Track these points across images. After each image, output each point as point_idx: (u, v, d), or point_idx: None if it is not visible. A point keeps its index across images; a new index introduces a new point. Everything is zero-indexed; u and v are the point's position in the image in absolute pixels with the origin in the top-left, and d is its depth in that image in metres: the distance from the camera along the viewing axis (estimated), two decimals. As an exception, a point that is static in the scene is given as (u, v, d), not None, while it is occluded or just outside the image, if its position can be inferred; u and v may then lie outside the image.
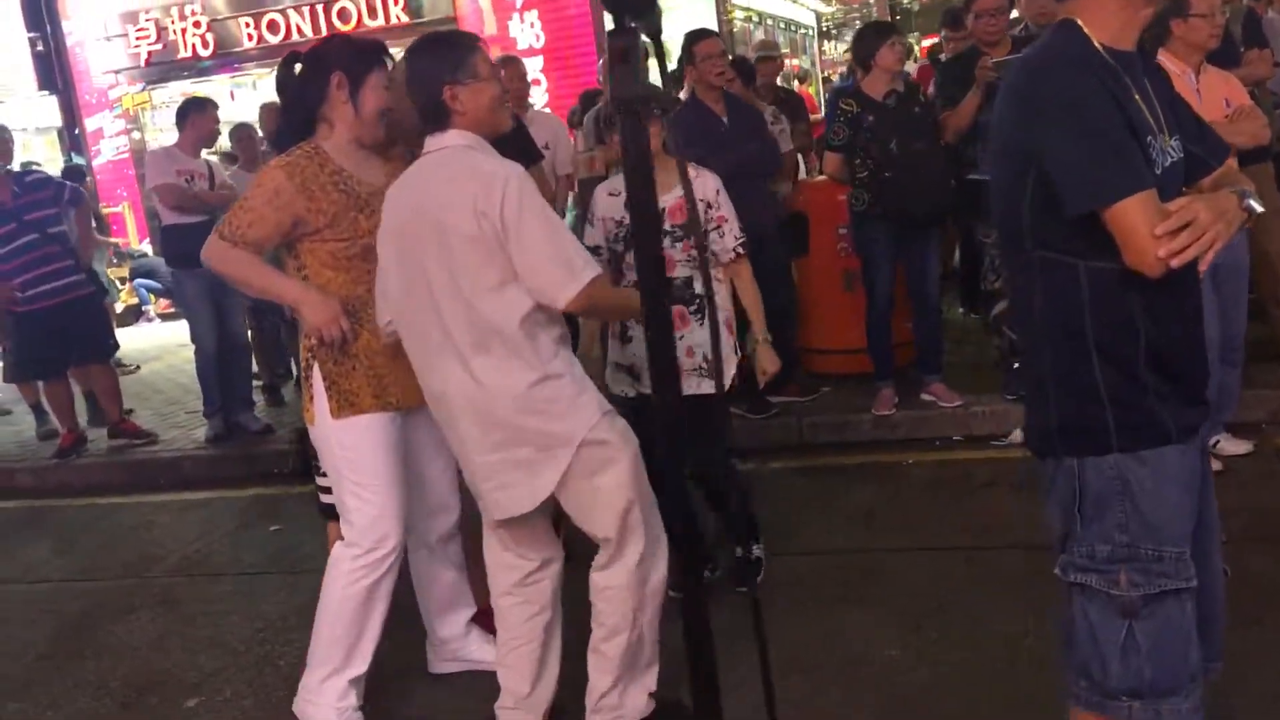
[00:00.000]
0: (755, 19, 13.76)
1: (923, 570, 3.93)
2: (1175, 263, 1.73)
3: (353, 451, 3.06)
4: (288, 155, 3.02)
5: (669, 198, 3.38)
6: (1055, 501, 1.99)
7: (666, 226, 3.40)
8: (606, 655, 2.86)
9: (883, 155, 5.09)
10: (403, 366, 2.94)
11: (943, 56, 7.11)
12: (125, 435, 6.85)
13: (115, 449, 6.80)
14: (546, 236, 2.58)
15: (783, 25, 15.62)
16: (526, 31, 11.57)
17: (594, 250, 3.56)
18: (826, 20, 19.95)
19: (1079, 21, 1.91)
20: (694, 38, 5.27)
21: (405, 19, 11.96)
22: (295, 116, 3.15)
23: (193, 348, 6.78)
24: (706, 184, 3.46)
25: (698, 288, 3.53)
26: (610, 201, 3.58)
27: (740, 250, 3.51)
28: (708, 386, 3.52)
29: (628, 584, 2.83)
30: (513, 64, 6.50)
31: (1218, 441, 4.51)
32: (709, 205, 3.45)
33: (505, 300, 2.60)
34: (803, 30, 17.69)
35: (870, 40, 5.25)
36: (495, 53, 2.87)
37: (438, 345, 2.69)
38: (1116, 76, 1.85)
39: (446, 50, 2.71)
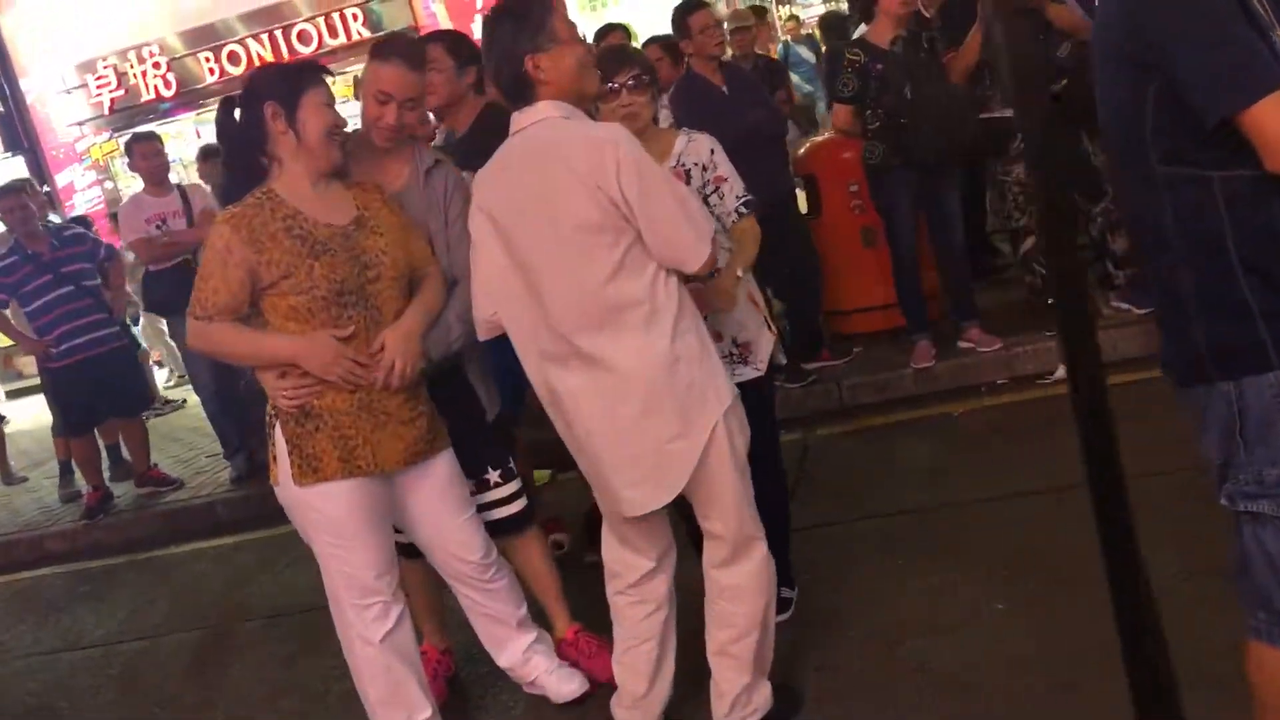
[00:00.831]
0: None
1: (1007, 519, 3.83)
2: None
3: (321, 515, 2.83)
4: (235, 205, 2.79)
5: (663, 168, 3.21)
6: (1211, 429, 1.88)
7: None
8: (738, 657, 2.76)
9: (897, 102, 4.98)
10: (373, 425, 2.78)
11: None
12: (153, 483, 6.74)
13: (144, 502, 6.67)
14: (673, 201, 2.47)
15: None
16: (491, 31, 11.39)
17: None
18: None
19: None
20: (686, 9, 5.15)
21: (366, 33, 11.77)
22: (240, 162, 2.95)
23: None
24: (700, 147, 3.19)
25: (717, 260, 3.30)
26: None
27: (743, 210, 3.20)
28: (745, 374, 3.23)
29: (758, 580, 2.75)
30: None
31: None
32: (704, 167, 3.18)
33: (634, 273, 2.48)
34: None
35: (871, -9, 5.14)
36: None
37: (558, 338, 2.56)
38: None
39: (521, 18, 2.54)
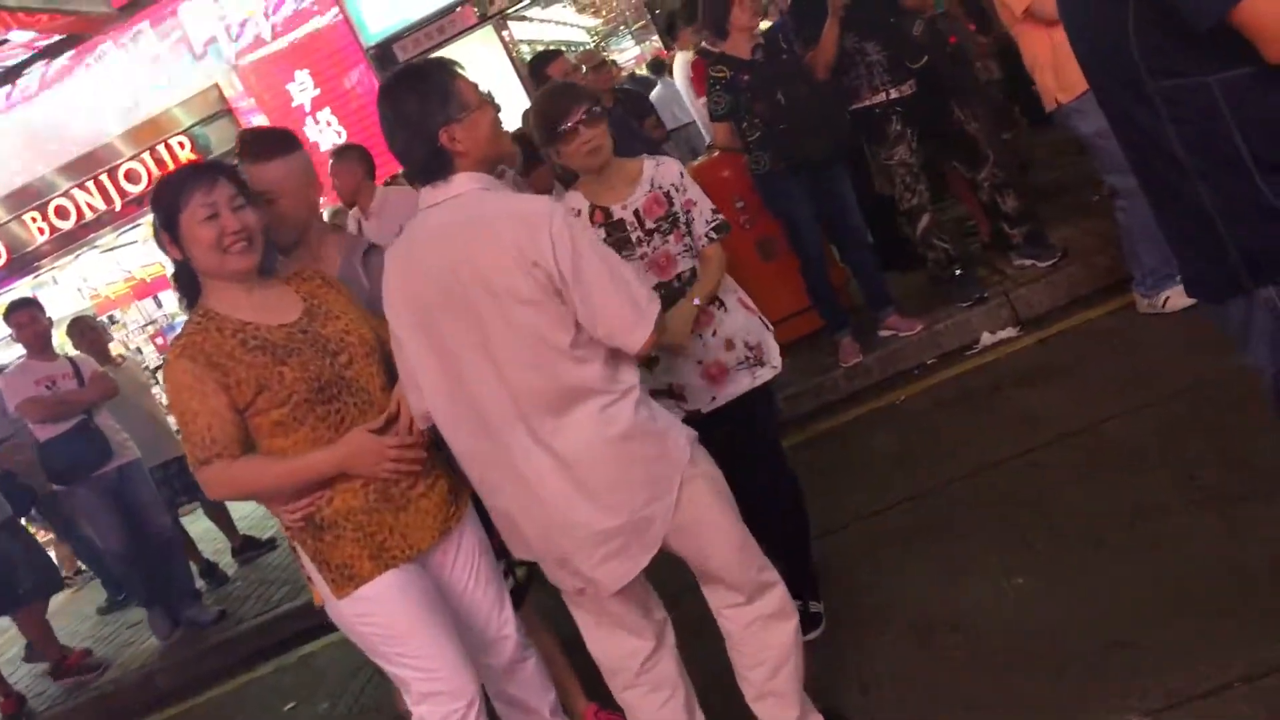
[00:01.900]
0: (540, 49, 13.64)
1: (990, 491, 3.78)
2: None
3: (376, 622, 2.59)
4: (178, 339, 2.54)
5: (637, 197, 3.12)
6: (1259, 340, 1.81)
7: (650, 225, 3.13)
8: (782, 694, 2.61)
9: (771, 109, 4.95)
10: (395, 511, 2.57)
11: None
12: (74, 673, 6.21)
13: (69, 692, 6.14)
14: (609, 275, 2.29)
15: (562, 48, 15.56)
16: (326, 131, 11.16)
17: None
18: (594, 33, 20.07)
19: None
20: (543, 61, 5.08)
21: (195, 159, 11.39)
22: (181, 284, 2.68)
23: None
24: (670, 169, 3.17)
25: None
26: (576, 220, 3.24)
27: (714, 235, 3.17)
28: (764, 374, 3.23)
29: (779, 608, 2.60)
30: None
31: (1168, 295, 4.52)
32: (679, 189, 3.15)
33: (585, 354, 2.30)
34: (577, 47, 17.71)
35: (719, 6, 5.11)
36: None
37: (503, 429, 2.35)
38: None
39: (426, 89, 2.34)
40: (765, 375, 3.23)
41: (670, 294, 3.11)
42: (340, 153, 5.75)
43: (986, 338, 5.19)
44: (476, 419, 2.37)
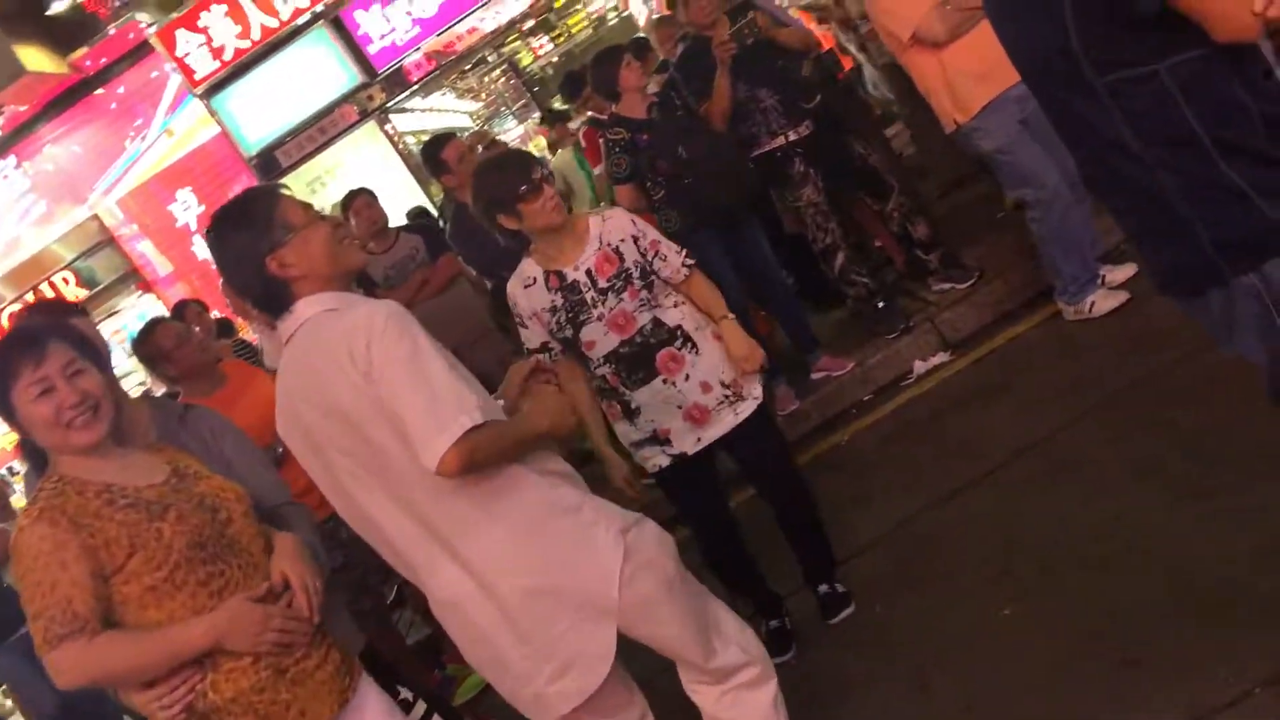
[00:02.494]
0: (425, 138, 13.53)
1: (956, 522, 3.70)
2: (1273, 13, 1.54)
3: None
4: (32, 504, 2.20)
5: (588, 256, 3.06)
6: (1245, 330, 1.74)
7: (602, 284, 3.04)
8: None
9: (674, 165, 4.88)
10: (290, 686, 2.23)
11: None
12: None
13: None
14: (408, 379, 2.04)
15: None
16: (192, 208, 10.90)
17: (542, 349, 3.16)
18: (476, 117, 20.07)
19: None
20: (436, 146, 4.94)
21: (84, 293, 10.99)
22: (28, 454, 2.47)
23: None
24: (620, 222, 3.14)
25: (669, 320, 3.18)
26: (531, 293, 3.14)
27: (689, 263, 3.21)
28: (746, 409, 3.25)
29: (753, 678, 2.47)
30: (359, 195, 5.83)
31: (1102, 277, 4.53)
32: (636, 239, 3.13)
33: None
34: (463, 132, 17.67)
35: (607, 70, 5.05)
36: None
37: (419, 558, 2.21)
38: None
39: (246, 220, 2.20)
40: (747, 409, 3.25)
41: (633, 350, 3.12)
42: None
43: (919, 366, 5.14)
44: (392, 550, 2.24)
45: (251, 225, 2.19)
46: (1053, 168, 4.42)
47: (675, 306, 3.19)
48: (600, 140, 5.34)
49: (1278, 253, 1.65)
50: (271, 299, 2.21)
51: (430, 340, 2.13)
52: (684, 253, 3.22)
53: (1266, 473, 2.81)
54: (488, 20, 10.41)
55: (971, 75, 4.30)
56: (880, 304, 5.39)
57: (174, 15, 9.96)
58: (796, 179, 5.16)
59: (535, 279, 3.10)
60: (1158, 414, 3.53)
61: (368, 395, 2.05)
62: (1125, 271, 4.58)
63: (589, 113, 6.83)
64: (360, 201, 5.70)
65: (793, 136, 5.09)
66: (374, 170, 10.16)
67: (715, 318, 3.25)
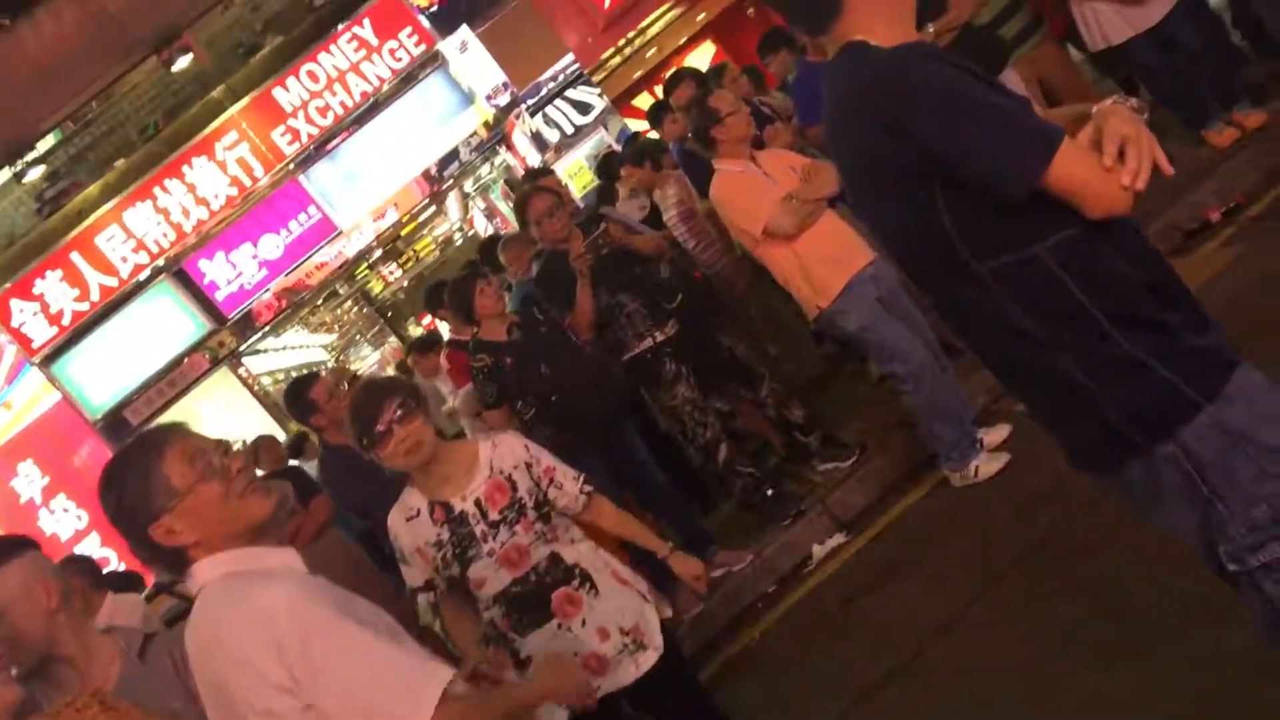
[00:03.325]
0: (280, 377, 13.28)
1: (902, 709, 3.52)
2: (1140, 184, 1.56)
3: None
4: None
5: (477, 485, 2.88)
6: (1171, 501, 1.68)
7: (494, 516, 2.84)
8: None
9: (541, 383, 4.81)
10: None
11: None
12: None
13: None
14: (359, 662, 1.82)
15: (303, 371, 15.25)
16: (64, 518, 10.21)
17: (426, 588, 2.93)
18: (331, 349, 19.97)
19: (861, 38, 1.73)
20: (305, 385, 4.78)
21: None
22: None
23: None
24: (513, 447, 2.97)
25: (566, 557, 2.97)
26: (414, 526, 2.92)
27: (588, 489, 3.03)
28: (648, 659, 2.98)
29: None
30: (264, 437, 5.42)
31: (980, 441, 4.58)
32: (529, 465, 2.95)
33: None
34: (318, 366, 17.46)
35: (463, 297, 5.01)
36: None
37: None
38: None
39: (125, 482, 1.95)
40: (649, 660, 3.00)
41: (526, 589, 2.91)
42: None
43: (817, 550, 5.05)
44: None
45: (130, 492, 1.94)
46: (915, 340, 4.52)
47: (574, 543, 3.00)
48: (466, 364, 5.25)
49: (1189, 417, 1.62)
50: (167, 565, 1.98)
51: (344, 607, 1.89)
52: (580, 478, 3.05)
53: (1193, 620, 2.77)
54: (336, 254, 10.41)
55: (825, 261, 4.42)
56: (769, 491, 5.33)
57: (6, 285, 9.64)
58: (669, 378, 5.15)
59: (419, 510, 2.91)
60: (1068, 574, 3.49)
61: (278, 699, 1.80)
62: (1000, 433, 4.65)
63: (449, 335, 6.77)
64: (265, 442, 5.50)
65: (660, 337, 5.10)
66: (230, 417, 9.85)
67: (647, 548, 3.12)
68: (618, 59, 10.73)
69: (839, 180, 4.44)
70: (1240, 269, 4.53)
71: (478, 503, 2.89)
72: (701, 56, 11.80)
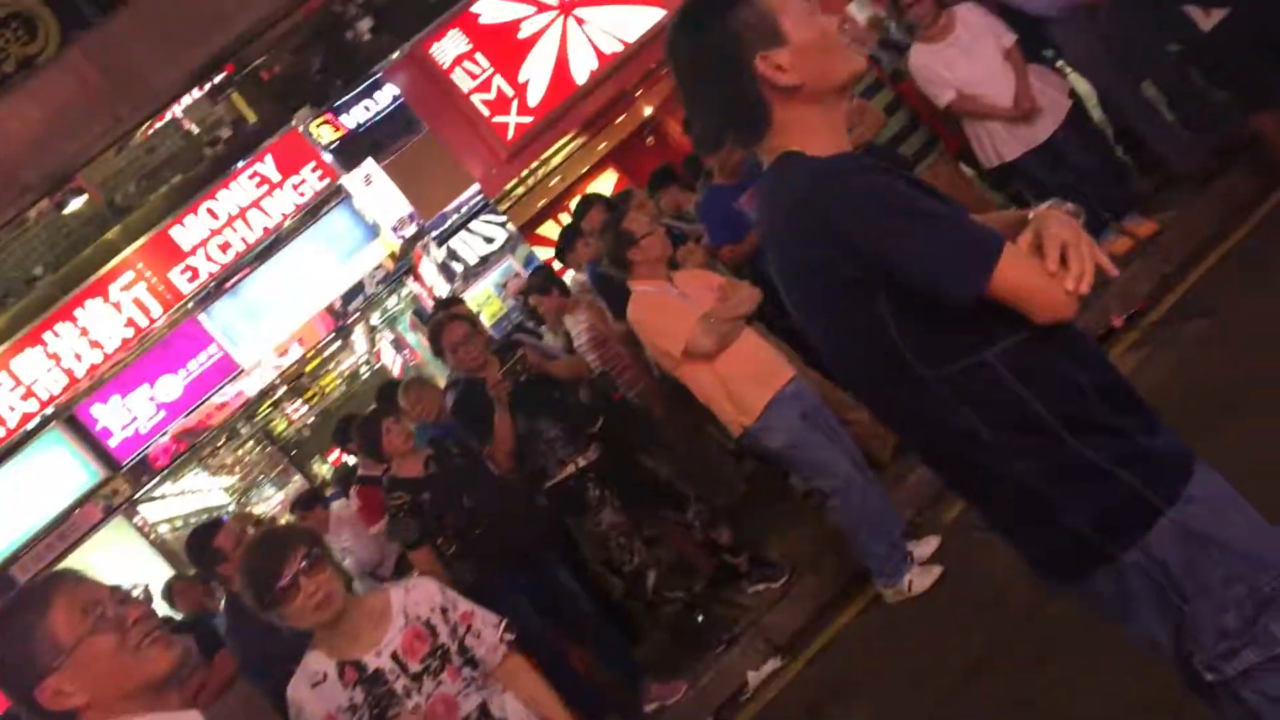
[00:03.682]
0: (179, 524, 12.72)
1: None
2: (1085, 288, 1.54)
3: None
4: None
5: (392, 637, 2.64)
6: (1141, 609, 1.61)
7: (415, 668, 2.60)
8: None
9: (462, 517, 4.64)
10: None
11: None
12: None
13: None
14: None
15: (204, 516, 14.67)
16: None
17: None
18: (233, 491, 19.32)
19: (796, 148, 1.70)
20: (206, 535, 4.53)
21: None
22: None
23: None
24: (427, 591, 2.73)
25: (495, 711, 2.71)
26: (322, 693, 2.61)
27: (509, 637, 2.76)
28: None
29: None
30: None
31: (911, 555, 4.53)
32: (444, 610, 2.71)
33: None
34: (219, 510, 16.83)
35: (370, 435, 4.85)
36: None
37: None
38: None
39: (9, 639, 1.76)
40: None
41: None
42: None
43: (753, 677, 4.89)
44: None
45: (11, 652, 1.76)
46: (840, 455, 4.49)
47: (504, 691, 2.74)
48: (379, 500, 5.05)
49: (1152, 522, 1.58)
50: None
51: None
52: (502, 625, 2.79)
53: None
54: (237, 393, 10.12)
55: (748, 379, 4.40)
56: (699, 617, 5.19)
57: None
58: (593, 504, 5.02)
59: (326, 674, 2.61)
60: (1015, 689, 3.41)
61: None
62: (930, 545, 4.61)
63: (359, 471, 6.53)
64: (178, 585, 5.19)
65: (582, 463, 4.99)
66: (125, 568, 9.35)
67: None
68: (522, 189, 10.80)
69: (757, 297, 4.54)
70: (1147, 372, 4.63)
71: (395, 656, 2.64)
72: (604, 184, 11.97)
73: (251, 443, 16.69)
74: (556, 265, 7.07)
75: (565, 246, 6.19)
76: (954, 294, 1.56)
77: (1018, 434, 1.60)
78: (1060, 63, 5.93)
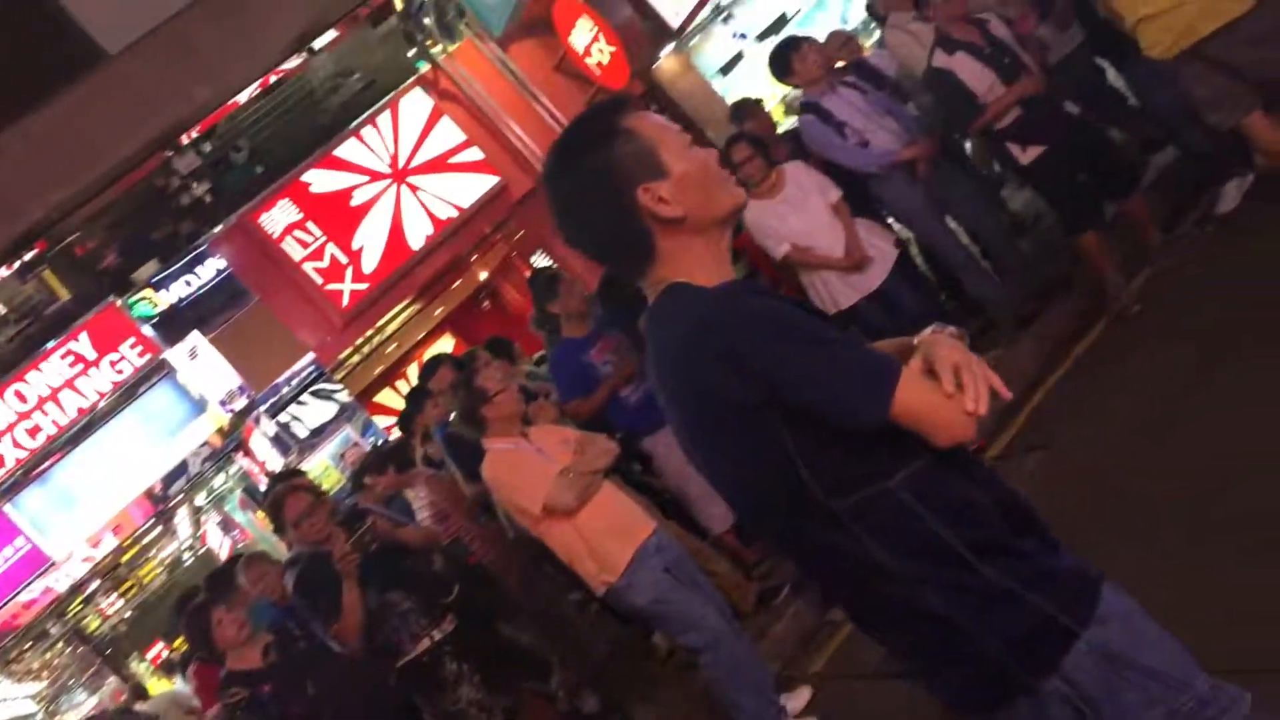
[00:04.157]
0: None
1: None
2: (983, 408, 1.53)
3: None
4: None
5: None
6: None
7: None
8: None
9: (307, 705, 4.29)
10: None
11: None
12: None
13: None
14: None
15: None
16: None
17: None
18: (40, 698, 17.74)
19: (682, 280, 1.66)
20: None
21: None
22: None
23: None
24: None
25: None
26: None
27: None
28: None
29: None
30: None
31: (784, 709, 4.42)
32: None
33: None
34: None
35: (199, 628, 4.47)
36: None
37: None
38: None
39: None
40: None
41: None
42: None
43: None
44: None
45: None
46: (707, 608, 4.39)
47: None
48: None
49: (1067, 646, 1.54)
50: None
51: None
52: None
53: None
54: (45, 589, 9.33)
55: (610, 534, 4.29)
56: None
57: None
58: (450, 680, 4.73)
59: None
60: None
61: None
62: (802, 697, 4.54)
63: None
64: None
65: (437, 635, 4.73)
66: None
67: None
68: (357, 357, 10.58)
69: (614, 450, 4.47)
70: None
71: None
72: (441, 349, 11.86)
73: (61, 644, 15.38)
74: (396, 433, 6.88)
75: (413, 409, 6.02)
76: (859, 419, 1.53)
77: (926, 563, 1.56)
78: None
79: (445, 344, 12.25)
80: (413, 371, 10.64)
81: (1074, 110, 5.53)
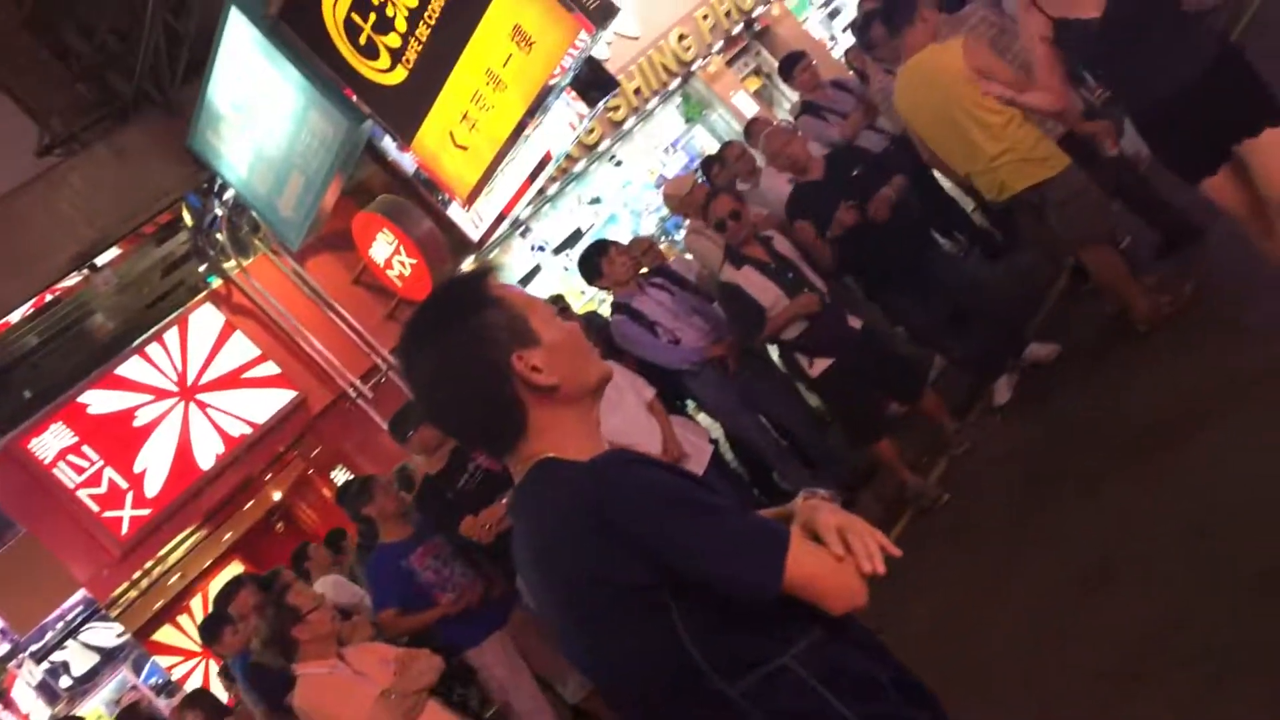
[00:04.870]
0: None
1: None
2: (879, 567, 1.52)
3: None
4: None
5: None
6: None
7: None
8: None
9: None
10: None
11: None
12: None
13: None
14: None
15: None
16: None
17: None
18: None
19: (553, 454, 1.59)
20: None
21: None
22: None
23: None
24: None
25: None
26: None
27: None
28: None
29: None
30: None
31: None
32: None
33: None
34: None
35: None
36: None
37: None
38: None
39: None
40: None
41: None
42: None
43: None
44: None
45: None
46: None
47: None
48: None
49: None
50: None
51: None
52: None
53: None
54: None
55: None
56: None
57: None
58: None
59: None
60: None
61: None
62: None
63: None
64: None
65: None
66: None
67: None
68: (135, 592, 9.72)
69: (439, 665, 4.19)
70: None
71: None
72: (229, 577, 11.09)
73: None
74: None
75: (210, 638, 5.49)
76: (754, 589, 1.47)
77: None
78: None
79: (234, 571, 11.47)
80: (196, 605, 9.86)
81: (856, 325, 5.73)
